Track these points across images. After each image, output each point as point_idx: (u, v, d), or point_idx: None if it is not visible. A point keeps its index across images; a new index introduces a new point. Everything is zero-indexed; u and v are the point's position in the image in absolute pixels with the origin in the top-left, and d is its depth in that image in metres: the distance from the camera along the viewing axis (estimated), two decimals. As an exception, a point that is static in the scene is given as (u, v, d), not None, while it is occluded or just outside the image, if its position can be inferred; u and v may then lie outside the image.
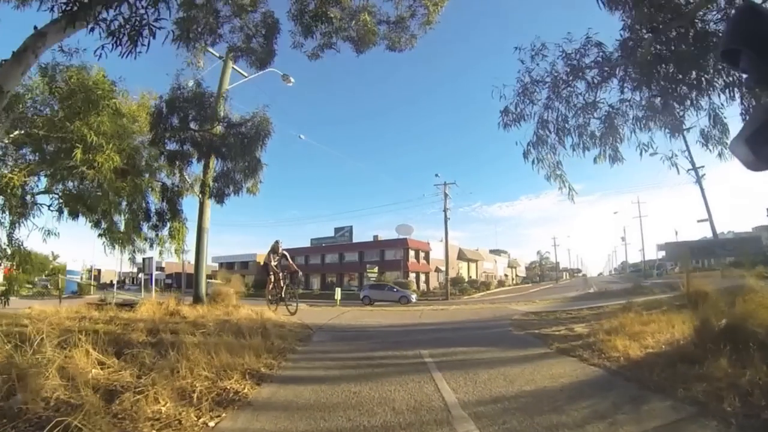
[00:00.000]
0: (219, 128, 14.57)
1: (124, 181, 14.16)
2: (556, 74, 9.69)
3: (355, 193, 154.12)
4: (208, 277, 19.18)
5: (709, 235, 43.55)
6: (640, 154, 9.49)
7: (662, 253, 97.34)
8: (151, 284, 27.11)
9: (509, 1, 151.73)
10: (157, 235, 16.55)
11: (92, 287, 44.37)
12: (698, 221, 45.33)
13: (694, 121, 9.63)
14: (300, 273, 17.53)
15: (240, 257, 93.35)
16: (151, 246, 16.86)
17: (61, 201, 14.59)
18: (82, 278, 49.92)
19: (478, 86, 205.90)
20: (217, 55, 16.95)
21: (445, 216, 56.24)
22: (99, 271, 67.66)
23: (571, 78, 9.57)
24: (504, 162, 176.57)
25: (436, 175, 75.54)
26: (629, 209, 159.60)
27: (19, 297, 29.42)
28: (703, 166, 42.72)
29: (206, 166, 14.77)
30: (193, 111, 14.19)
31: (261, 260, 73.55)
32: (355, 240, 75.76)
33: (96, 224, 15.56)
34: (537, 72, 9.89)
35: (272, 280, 15.76)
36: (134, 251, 16.99)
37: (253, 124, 14.36)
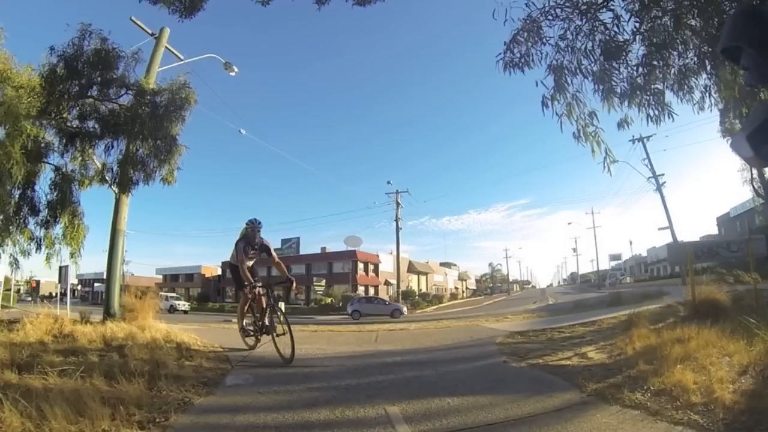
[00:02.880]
0: (127, 97, 11.73)
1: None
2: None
3: (303, 203, 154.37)
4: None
5: (668, 242, 43.71)
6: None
7: (615, 263, 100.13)
8: (66, 296, 23.82)
9: None
10: (46, 234, 13.23)
11: (13, 298, 39.12)
12: (659, 229, 45.99)
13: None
14: (294, 282, 9.88)
15: (185, 269, 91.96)
16: (38, 248, 13.38)
17: None
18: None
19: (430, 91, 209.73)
20: (149, 31, 14.66)
21: (397, 225, 55.36)
22: (38, 282, 63.57)
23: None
24: (453, 174, 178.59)
25: (389, 182, 74.38)
26: (582, 220, 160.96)
27: None
28: (662, 174, 42.55)
29: (109, 147, 11.76)
30: (96, 76, 11.20)
31: (207, 273, 72.32)
32: (302, 252, 74.52)
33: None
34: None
35: (248, 297, 9.15)
36: (16, 253, 13.47)
37: (171, 92, 11.52)
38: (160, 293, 61.96)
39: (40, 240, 13.28)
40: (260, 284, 8.97)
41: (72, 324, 10.77)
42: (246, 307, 9.62)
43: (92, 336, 9.60)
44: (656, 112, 7.31)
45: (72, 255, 13.48)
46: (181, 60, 15.80)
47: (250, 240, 9.13)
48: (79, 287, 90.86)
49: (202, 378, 6.46)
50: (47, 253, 13.43)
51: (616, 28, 7.16)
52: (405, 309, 41.66)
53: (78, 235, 13.23)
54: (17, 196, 12.44)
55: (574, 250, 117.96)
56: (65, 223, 13.02)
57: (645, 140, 42.98)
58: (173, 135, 11.74)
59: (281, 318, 8.40)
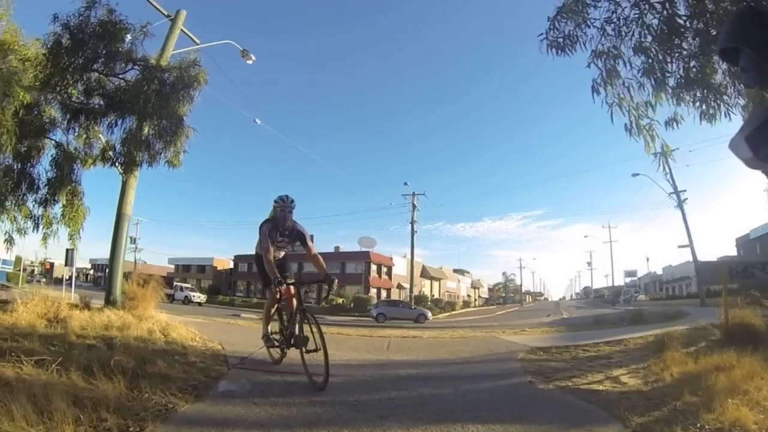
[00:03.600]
0: (133, 73, 11.11)
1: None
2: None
3: (317, 200, 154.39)
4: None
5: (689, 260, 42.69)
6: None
7: (630, 279, 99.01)
8: (72, 278, 23.77)
9: None
10: (44, 213, 12.61)
11: (22, 279, 38.97)
12: (679, 247, 44.82)
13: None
14: (336, 282, 7.14)
15: (197, 260, 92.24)
16: (36, 227, 12.78)
17: None
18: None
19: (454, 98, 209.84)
20: (165, 12, 13.88)
21: (413, 228, 54.32)
22: (52, 264, 63.65)
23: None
24: (471, 181, 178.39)
25: (405, 184, 72.92)
26: (598, 233, 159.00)
27: None
28: (684, 190, 41.49)
29: (113, 125, 11.23)
30: (101, 48, 10.58)
31: (219, 265, 72.16)
32: (315, 250, 73.31)
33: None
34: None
35: (276, 297, 7.10)
36: (12, 231, 12.86)
37: (180, 70, 10.91)
38: (175, 283, 62.95)
39: (38, 219, 12.74)
40: (291, 281, 6.90)
41: (69, 309, 10.19)
42: (273, 310, 7.40)
43: (86, 323, 9.01)
44: (713, 109, 6.56)
45: (71, 236, 12.91)
46: (197, 44, 15.05)
47: (278, 223, 6.90)
48: (91, 272, 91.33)
49: (193, 380, 5.78)
50: (44, 233, 12.87)
51: (667, 11, 6.34)
52: (430, 314, 41.21)
53: (77, 216, 12.65)
54: (16, 170, 11.98)
55: (589, 263, 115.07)
56: (64, 203, 12.48)
57: (667, 155, 41.78)
58: (180, 115, 11.19)
59: (313, 329, 6.14)
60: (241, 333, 12.17)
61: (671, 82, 6.51)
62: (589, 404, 5.55)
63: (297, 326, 6.47)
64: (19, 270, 44.39)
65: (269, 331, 7.37)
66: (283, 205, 6.85)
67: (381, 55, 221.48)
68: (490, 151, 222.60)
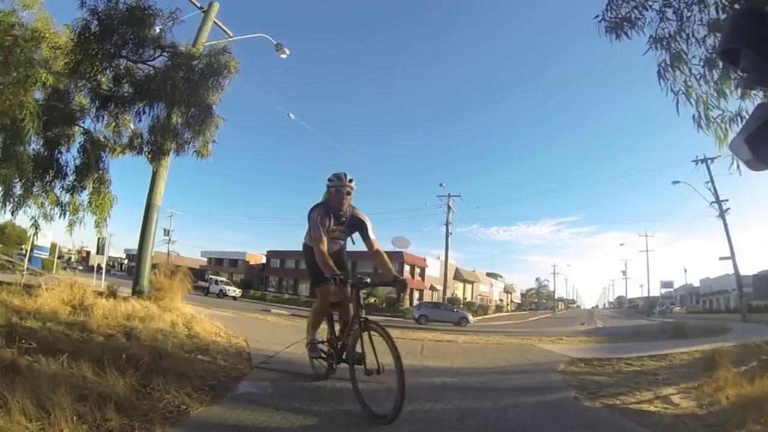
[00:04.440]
0: (162, 60, 10.99)
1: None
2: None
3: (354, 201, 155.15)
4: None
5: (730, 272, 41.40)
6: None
7: (665, 290, 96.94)
8: (102, 267, 24.72)
9: None
10: (71, 200, 12.50)
11: (56, 266, 39.85)
12: (720, 259, 43.49)
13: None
14: (407, 285, 5.73)
15: (230, 254, 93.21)
16: (63, 214, 12.67)
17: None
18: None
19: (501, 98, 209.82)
20: (197, 5, 14.04)
21: (447, 230, 54.22)
22: (88, 252, 64.75)
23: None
24: (506, 185, 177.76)
25: (441, 185, 71.61)
26: (634, 242, 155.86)
27: None
28: (726, 200, 40.07)
29: (140, 113, 11.02)
30: (130, 34, 10.45)
31: (252, 260, 72.91)
32: (349, 248, 73.43)
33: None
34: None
35: (327, 299, 6.06)
36: (38, 217, 12.74)
37: (209, 57, 10.69)
38: (210, 276, 63.64)
39: (65, 206, 12.62)
40: (350, 281, 5.13)
41: (95, 297, 10.05)
42: (316, 316, 6.35)
43: (109, 312, 8.78)
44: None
45: (97, 224, 12.83)
46: (230, 36, 15.08)
47: (333, 208, 5.56)
48: (126, 261, 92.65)
49: (211, 379, 5.39)
50: (70, 220, 12.76)
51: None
52: (471, 318, 40.92)
53: (104, 204, 12.56)
54: (44, 156, 11.89)
55: (624, 272, 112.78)
56: (91, 191, 12.41)
57: (709, 161, 40.32)
58: (209, 104, 10.92)
59: (374, 345, 4.88)
60: (268, 330, 11.83)
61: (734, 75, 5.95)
62: (644, 428, 5.01)
63: (352, 339, 5.14)
64: (54, 257, 45.02)
65: (316, 338, 6.10)
66: (339, 184, 5.46)
67: (420, 63, 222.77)
68: (528, 157, 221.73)
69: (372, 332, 4.93)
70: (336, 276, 4.94)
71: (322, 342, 6.09)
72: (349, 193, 5.53)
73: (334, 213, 5.56)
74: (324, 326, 6.39)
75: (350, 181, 5.50)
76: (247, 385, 5.48)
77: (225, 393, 5.00)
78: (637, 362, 10.06)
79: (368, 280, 5.38)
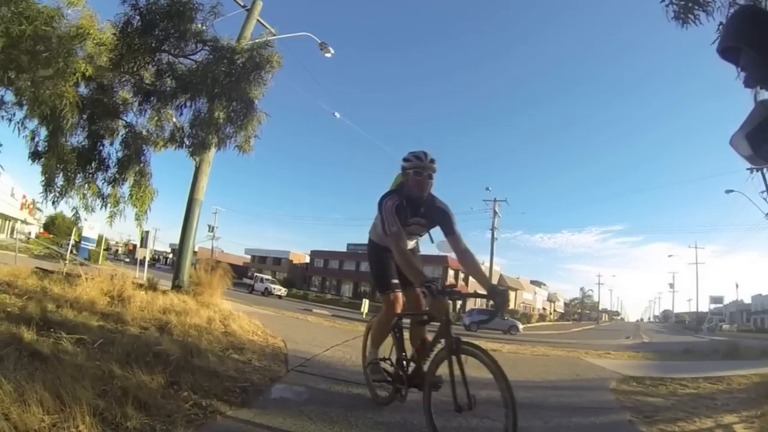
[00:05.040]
0: (203, 54, 10.91)
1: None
2: None
3: None
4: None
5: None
6: None
7: (714, 306, 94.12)
8: (144, 260, 25.34)
9: None
10: (112, 192, 12.66)
11: (102, 257, 41.84)
12: None
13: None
14: (507, 292, 4.38)
15: (273, 252, 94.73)
16: (104, 205, 12.83)
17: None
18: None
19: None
20: (241, 3, 14.36)
21: (493, 235, 53.72)
22: (135, 245, 66.27)
23: None
24: (553, 193, 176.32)
25: (487, 189, 70.37)
26: (682, 253, 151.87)
27: (30, 256, 27.66)
28: None
29: (181, 107, 11.05)
30: (171, 29, 10.46)
31: (295, 259, 73.94)
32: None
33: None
34: None
35: (395, 309, 4.74)
36: (79, 208, 12.83)
37: (251, 51, 10.62)
38: (255, 274, 64.30)
39: (106, 198, 12.77)
40: (435, 287, 3.76)
41: (134, 289, 10.12)
42: (375, 330, 5.07)
43: (146, 305, 8.85)
44: None
45: (137, 217, 12.96)
46: (274, 35, 14.86)
47: (411, 194, 4.45)
48: (170, 255, 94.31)
49: (244, 381, 5.10)
50: (111, 211, 12.89)
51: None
52: (521, 327, 39.99)
53: (145, 197, 12.65)
54: (87, 148, 12.02)
55: (671, 285, 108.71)
56: (132, 183, 12.55)
57: (765, 170, 38.76)
58: (251, 98, 10.78)
59: (462, 367, 3.70)
60: (308, 330, 11.59)
61: None
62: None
63: (435, 362, 3.98)
64: (100, 248, 46.07)
65: (378, 356, 4.93)
66: (419, 165, 4.40)
67: (471, 71, 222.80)
68: (581, 166, 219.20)
69: (465, 356, 3.75)
70: (429, 284, 3.75)
71: (383, 359, 4.90)
72: (431, 177, 4.46)
73: (411, 201, 4.49)
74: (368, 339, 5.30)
75: (432, 161, 4.43)
76: (280, 389, 5.16)
77: (257, 396, 4.70)
78: (692, 384, 9.41)
79: (458, 289, 4.24)
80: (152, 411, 3.61)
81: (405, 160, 4.49)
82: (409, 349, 4.65)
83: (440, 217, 4.58)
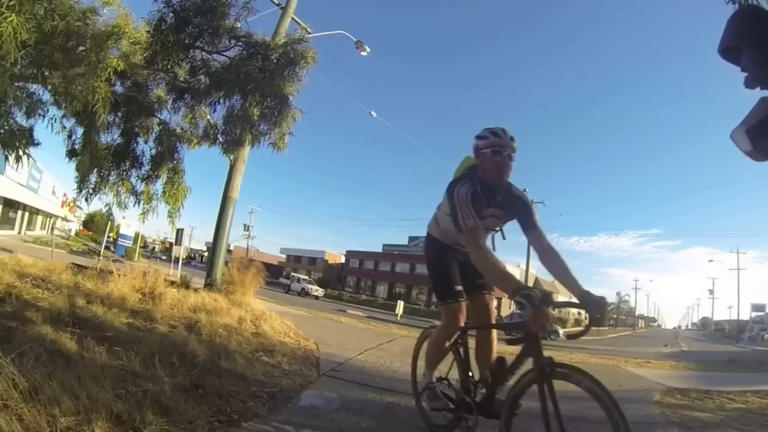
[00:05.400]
0: (237, 50, 10.81)
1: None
2: None
3: (433, 200, 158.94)
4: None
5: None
6: None
7: (756, 314, 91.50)
8: (178, 258, 26.73)
9: None
10: (145, 189, 12.75)
11: (138, 254, 43.67)
12: None
13: None
14: (606, 302, 3.10)
15: (309, 252, 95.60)
16: (137, 202, 12.92)
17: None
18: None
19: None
20: (276, 1, 14.59)
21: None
22: (171, 243, 67.28)
23: None
24: (588, 196, 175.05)
25: (524, 190, 70.31)
26: (723, 259, 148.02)
27: (68, 252, 28.17)
28: None
29: (215, 103, 10.95)
30: (204, 25, 10.38)
31: (330, 259, 74.77)
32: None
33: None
34: None
35: (458, 323, 3.98)
36: (112, 204, 12.93)
37: (285, 47, 10.45)
38: (292, 274, 64.94)
39: (139, 194, 12.84)
40: (536, 295, 2.86)
41: (166, 286, 10.07)
42: (449, 343, 4.15)
43: (177, 302, 8.77)
44: None
45: (170, 214, 12.88)
46: (309, 33, 14.56)
47: (487, 180, 3.69)
48: (206, 253, 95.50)
49: (272, 386, 4.85)
50: (144, 209, 12.95)
51: None
52: (561, 331, 39.59)
53: (178, 194, 12.61)
54: (121, 146, 12.10)
55: (711, 291, 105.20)
56: (165, 180, 12.56)
57: None
58: (285, 94, 10.60)
59: (553, 394, 3.05)
60: (342, 332, 11.35)
61: None
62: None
63: (520, 387, 3.14)
64: (136, 246, 47.07)
65: (434, 378, 4.18)
66: (498, 143, 3.63)
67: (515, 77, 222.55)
68: (621, 174, 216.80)
69: (559, 381, 3.06)
70: (528, 292, 2.86)
71: (440, 380, 4.17)
72: (511, 157, 3.66)
73: (486, 188, 3.68)
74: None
75: (512, 139, 3.66)
76: (310, 396, 4.86)
77: (285, 403, 4.44)
78: (740, 398, 8.87)
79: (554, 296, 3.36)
80: (173, 416, 3.42)
81: (479, 137, 3.76)
82: (475, 370, 3.97)
83: (519, 207, 3.84)
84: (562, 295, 70.27)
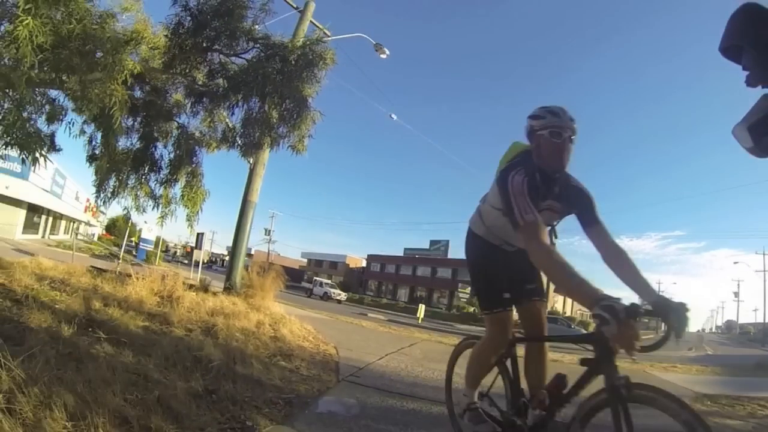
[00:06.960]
0: (254, 53, 10.66)
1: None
2: None
3: (455, 203, 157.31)
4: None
5: None
6: None
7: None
8: (198, 262, 27.52)
9: None
10: (164, 193, 12.67)
11: (158, 258, 44.27)
12: None
13: None
14: (686, 308, 2.51)
15: (330, 256, 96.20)
16: (156, 206, 12.88)
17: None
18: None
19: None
20: (293, 5, 14.58)
21: (551, 241, 51.83)
22: (192, 247, 67.90)
23: None
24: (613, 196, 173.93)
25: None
26: (749, 260, 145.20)
27: (90, 255, 28.41)
28: None
29: (233, 106, 10.81)
30: (222, 27, 10.25)
31: (351, 263, 74.98)
32: (450, 256, 73.89)
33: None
34: None
35: (504, 334, 3.49)
36: (131, 208, 12.91)
37: (303, 48, 10.28)
38: (315, 278, 65.09)
39: (158, 198, 12.80)
40: (622, 307, 2.28)
41: (185, 290, 10.04)
42: (495, 357, 3.61)
43: (195, 306, 8.73)
44: None
45: (189, 218, 12.84)
46: (328, 36, 14.52)
47: (546, 166, 3.12)
48: (227, 258, 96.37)
49: (289, 391, 4.71)
50: (162, 212, 12.90)
51: None
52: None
53: (196, 198, 12.57)
54: (140, 150, 12.07)
55: (736, 294, 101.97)
56: (183, 184, 12.52)
57: None
58: (304, 96, 10.44)
59: (630, 417, 2.45)
60: (362, 336, 11.23)
61: None
62: None
63: (588, 410, 2.60)
64: (158, 250, 47.52)
65: (475, 395, 3.67)
66: (557, 123, 3.06)
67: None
68: (646, 179, 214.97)
69: (636, 404, 2.49)
70: (611, 303, 2.30)
71: (482, 395, 3.70)
72: (572, 140, 3.07)
73: (544, 177, 3.13)
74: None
75: (572, 120, 3.08)
76: (329, 402, 4.66)
77: (302, 410, 4.27)
78: (770, 404, 8.84)
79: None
80: (184, 422, 3.29)
81: (534, 117, 3.17)
82: (525, 388, 3.44)
83: (579, 199, 3.25)
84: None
